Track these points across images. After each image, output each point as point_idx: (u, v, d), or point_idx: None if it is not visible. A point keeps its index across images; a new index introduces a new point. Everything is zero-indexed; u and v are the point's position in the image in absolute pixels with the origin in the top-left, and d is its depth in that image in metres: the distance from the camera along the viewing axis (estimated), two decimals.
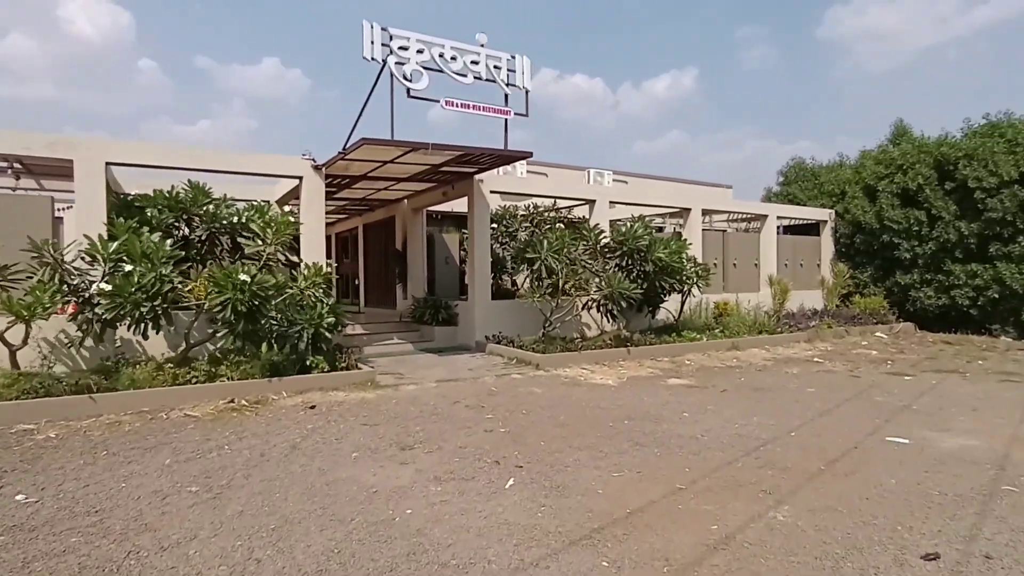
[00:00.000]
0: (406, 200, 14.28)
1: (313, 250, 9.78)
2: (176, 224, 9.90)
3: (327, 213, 17.05)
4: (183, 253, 7.54)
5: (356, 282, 17.51)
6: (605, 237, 11.54)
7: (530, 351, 9.95)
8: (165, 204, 9.78)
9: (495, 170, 12.44)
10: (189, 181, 10.35)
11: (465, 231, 13.50)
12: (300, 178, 9.81)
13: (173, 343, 8.49)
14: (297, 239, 9.38)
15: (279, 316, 7.89)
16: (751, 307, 14.91)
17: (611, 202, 13.50)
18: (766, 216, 16.52)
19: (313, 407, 6.91)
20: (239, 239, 8.31)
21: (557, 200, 14.20)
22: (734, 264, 15.82)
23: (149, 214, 9.55)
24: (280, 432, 5.95)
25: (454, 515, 3.97)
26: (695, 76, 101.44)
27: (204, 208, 9.90)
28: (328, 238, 20.73)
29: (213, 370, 7.29)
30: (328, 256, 20.90)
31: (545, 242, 10.68)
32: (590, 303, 11.03)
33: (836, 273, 16.66)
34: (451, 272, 14.50)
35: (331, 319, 7.86)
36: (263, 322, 7.50)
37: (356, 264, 17.59)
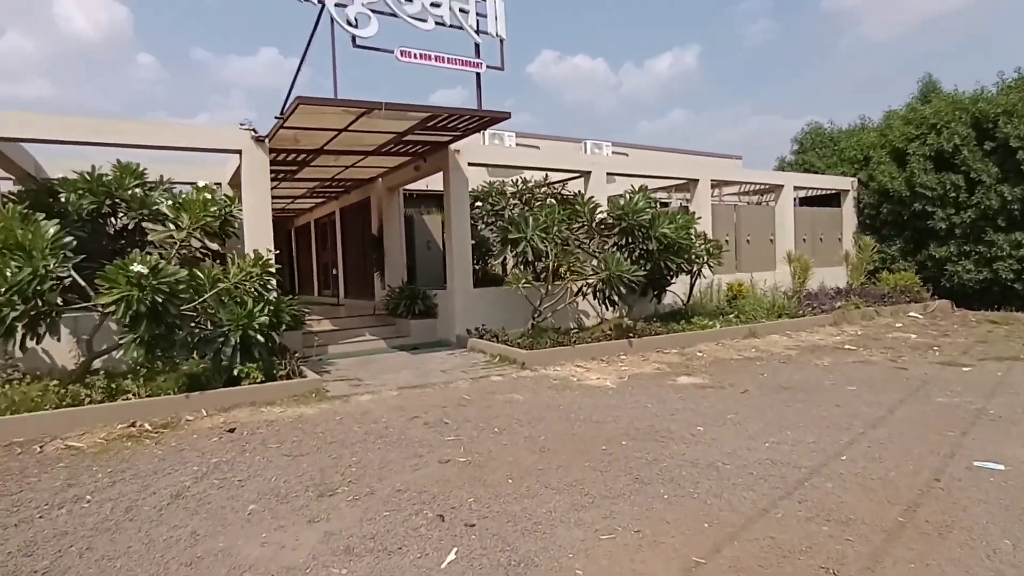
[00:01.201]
0: (380, 179, 12.82)
1: (258, 236, 8.36)
2: (100, 212, 8.53)
3: (300, 197, 15.68)
4: (70, 240, 6.08)
5: (334, 272, 16.11)
6: (602, 212, 10.05)
7: (515, 347, 8.53)
8: (85, 188, 8.40)
9: (477, 140, 10.99)
10: (118, 161, 8.97)
11: None
12: (239, 152, 8.37)
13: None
14: (227, 222, 7.95)
15: (202, 317, 6.51)
16: (767, 287, 13.44)
17: (609, 174, 11.99)
18: (781, 186, 14.94)
19: (232, 430, 5.53)
20: (147, 224, 6.88)
21: (549, 175, 12.70)
22: (747, 240, 14.29)
23: (63, 200, 8.20)
24: (172, 470, 4.57)
25: None
26: (697, 53, 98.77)
27: (130, 192, 8.51)
28: (307, 226, 19.40)
29: (114, 386, 5.91)
30: (312, 245, 19.49)
31: (531, 219, 9.22)
32: (586, 288, 9.59)
33: (861, 247, 15.08)
34: (434, 258, 13.04)
35: (264, 319, 6.45)
36: (179, 324, 6.11)
37: (335, 252, 16.19)
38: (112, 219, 8.79)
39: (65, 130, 7.42)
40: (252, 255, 7.37)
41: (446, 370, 8.03)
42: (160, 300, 5.57)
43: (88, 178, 8.38)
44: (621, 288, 8.74)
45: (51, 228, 5.87)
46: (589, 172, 11.59)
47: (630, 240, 9.57)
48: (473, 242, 11.16)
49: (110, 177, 8.52)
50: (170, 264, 5.93)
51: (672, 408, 6.01)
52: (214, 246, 6.76)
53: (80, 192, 8.30)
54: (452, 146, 9.85)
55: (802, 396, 6.37)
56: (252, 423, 5.74)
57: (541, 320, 9.53)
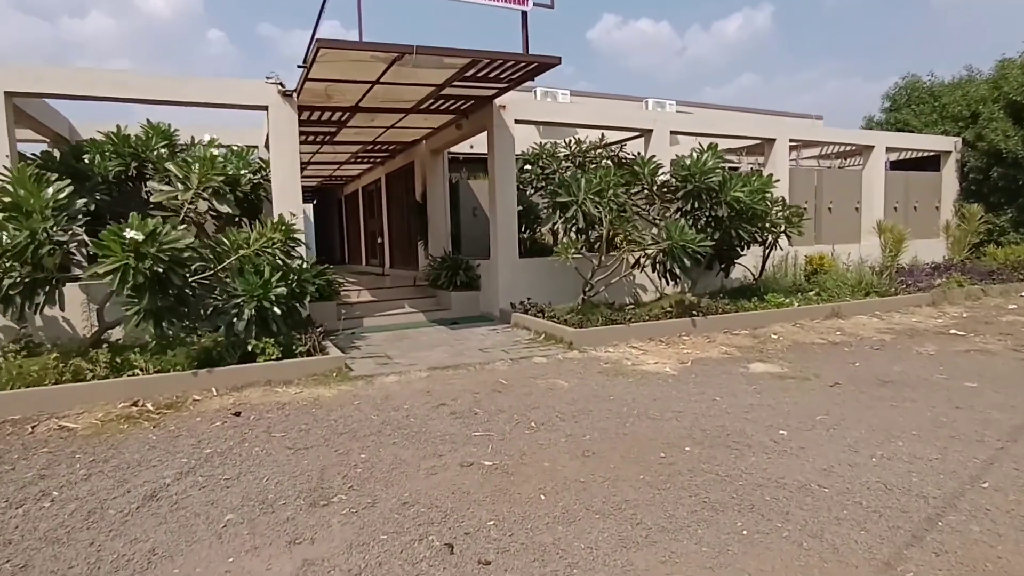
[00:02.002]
0: (424, 141, 12.05)
1: (286, 199, 7.76)
2: (127, 174, 8.12)
3: (346, 163, 15.14)
4: (81, 202, 5.60)
5: (379, 240, 15.59)
6: (664, 174, 8.93)
7: (562, 324, 7.65)
8: (111, 149, 8.00)
9: (527, 98, 10.00)
10: (148, 121, 8.55)
11: None
12: (265, 108, 7.72)
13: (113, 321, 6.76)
14: (260, 186, 7.37)
15: (219, 287, 5.95)
16: (851, 261, 11.97)
17: (673, 133, 10.76)
18: (871, 148, 13.22)
19: (238, 414, 4.94)
20: (152, 184, 6.29)
21: (606, 136, 11.56)
22: (829, 208, 12.76)
23: (88, 161, 7.82)
24: (159, 461, 3.99)
25: None
26: (770, 13, 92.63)
27: (156, 153, 8.05)
28: (355, 193, 18.95)
29: (120, 360, 5.43)
30: (360, 213, 19.04)
31: (583, 181, 8.22)
32: (644, 260, 8.56)
33: (966, 217, 13.21)
34: (480, 226, 12.21)
35: (281, 289, 5.81)
36: (189, 294, 5.56)
37: (380, 221, 15.64)
38: (143, 183, 8.40)
39: (83, 85, 6.94)
40: (275, 220, 6.75)
41: (484, 348, 7.25)
42: (161, 269, 4.98)
43: (115, 139, 7.98)
44: (684, 260, 7.67)
45: (51, 189, 5.36)
46: (650, 130, 10.41)
47: (696, 206, 8.43)
48: (521, 208, 10.29)
49: (139, 139, 8.12)
50: (176, 229, 5.32)
51: (746, 403, 5.02)
52: (224, 209, 6.15)
53: (106, 153, 7.92)
54: (496, 101, 8.91)
55: (909, 393, 5.23)
56: (262, 406, 5.14)
57: (593, 295, 8.59)
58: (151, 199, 6.00)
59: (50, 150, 8.52)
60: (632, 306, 8.90)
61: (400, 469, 3.80)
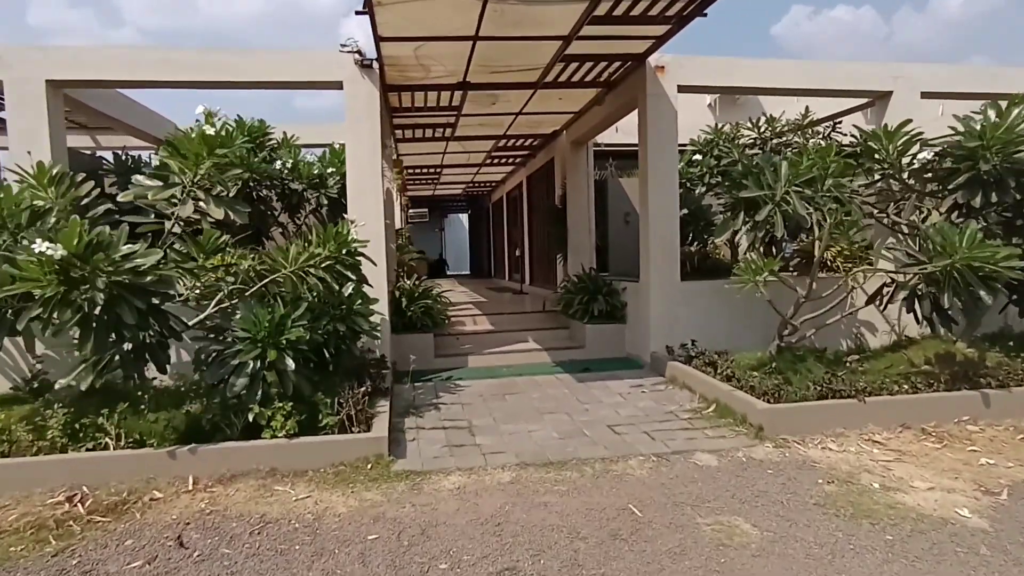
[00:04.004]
0: (564, 132, 9.79)
1: (362, 199, 5.97)
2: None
3: (484, 164, 13.39)
4: (103, 210, 4.21)
5: (517, 253, 13.61)
6: (921, 149, 5.59)
7: (746, 391, 4.81)
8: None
9: (698, 64, 7.22)
10: (238, 117, 7.40)
11: None
12: (340, 85, 6.01)
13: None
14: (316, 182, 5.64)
15: (223, 329, 4.21)
16: None
17: (924, 95, 7.20)
18: None
19: (182, 543, 3.04)
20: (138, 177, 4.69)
21: (812, 111, 8.25)
22: None
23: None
24: None
25: None
26: None
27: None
28: (500, 200, 17.27)
29: (83, 424, 3.87)
30: (504, 223, 17.30)
31: (784, 166, 5.32)
32: (888, 288, 5.35)
33: None
34: (633, 237, 9.56)
35: (298, 331, 3.89)
36: (161, 337, 3.86)
37: (521, 230, 13.68)
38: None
39: (124, 66, 5.74)
40: (334, 229, 4.92)
41: (617, 425, 4.71)
42: (102, 302, 3.28)
43: (190, 136, 6.88)
44: (979, 290, 4.39)
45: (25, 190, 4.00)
46: (888, 93, 7.04)
47: (991, 199, 5.02)
48: (686, 212, 7.60)
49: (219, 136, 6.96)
50: (160, 244, 3.64)
51: None
52: (217, 214, 4.35)
53: (183, 154, 6.83)
54: (651, 59, 6.34)
55: None
56: (235, 522, 3.20)
57: (796, 340, 5.58)
58: (118, 199, 4.48)
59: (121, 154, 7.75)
60: (856, 357, 5.67)
61: None
